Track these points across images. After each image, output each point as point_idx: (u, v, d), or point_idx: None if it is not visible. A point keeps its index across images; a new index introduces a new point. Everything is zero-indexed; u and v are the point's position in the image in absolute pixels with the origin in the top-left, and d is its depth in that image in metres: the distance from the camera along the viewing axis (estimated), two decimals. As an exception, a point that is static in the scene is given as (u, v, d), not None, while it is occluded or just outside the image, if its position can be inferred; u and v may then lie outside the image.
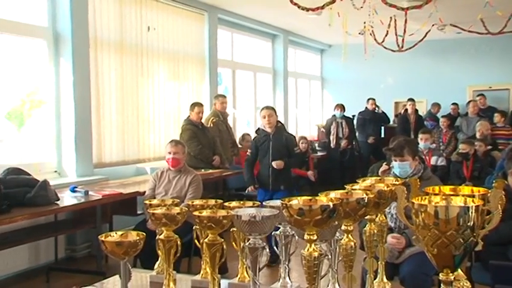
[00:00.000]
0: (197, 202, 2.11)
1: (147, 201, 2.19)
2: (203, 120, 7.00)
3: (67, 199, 4.73)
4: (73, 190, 4.93)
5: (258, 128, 5.83)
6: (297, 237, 1.93)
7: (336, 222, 1.71)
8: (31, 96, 5.97)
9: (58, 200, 4.47)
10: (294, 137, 6.07)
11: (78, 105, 5.81)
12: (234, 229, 2.00)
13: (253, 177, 5.75)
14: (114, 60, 6.54)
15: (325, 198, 1.64)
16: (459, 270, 1.39)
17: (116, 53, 6.57)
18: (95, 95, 6.19)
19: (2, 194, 4.01)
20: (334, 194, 1.73)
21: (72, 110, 5.78)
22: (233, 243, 2.08)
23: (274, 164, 5.50)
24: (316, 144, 10.97)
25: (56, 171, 5.82)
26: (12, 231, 4.65)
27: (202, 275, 2.13)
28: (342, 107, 10.15)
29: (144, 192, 5.04)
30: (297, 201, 1.59)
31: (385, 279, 1.93)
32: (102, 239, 1.82)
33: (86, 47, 5.97)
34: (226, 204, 2.07)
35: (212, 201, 2.11)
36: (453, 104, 10.95)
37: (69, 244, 5.73)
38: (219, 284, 1.93)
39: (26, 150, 5.71)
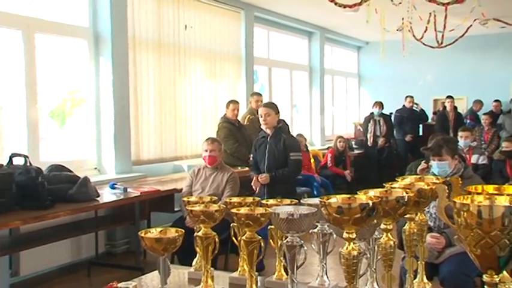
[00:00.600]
0: (235, 199, 2.11)
1: (185, 199, 2.20)
2: (239, 118, 7.03)
3: (107, 195, 4.83)
4: (112, 187, 5.03)
5: (261, 129, 5.23)
6: (334, 235, 1.92)
7: (375, 221, 1.69)
8: (72, 95, 6.12)
9: (98, 196, 4.57)
10: (296, 140, 5.30)
11: (117, 104, 5.93)
12: (272, 227, 2.00)
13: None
14: (152, 59, 6.63)
15: (364, 197, 1.62)
16: (504, 272, 1.35)
17: (154, 52, 6.66)
18: (133, 93, 6.30)
19: (46, 190, 4.13)
20: (374, 193, 1.71)
21: (111, 108, 5.90)
22: (270, 240, 2.08)
23: (259, 179, 4.87)
24: (353, 142, 10.86)
25: (96, 168, 5.95)
26: (55, 226, 4.79)
27: (239, 272, 2.14)
28: (380, 105, 10.01)
29: (181, 189, 5.09)
30: (336, 199, 1.58)
31: (425, 279, 1.90)
32: (142, 235, 1.84)
33: (125, 46, 6.07)
34: (263, 201, 2.07)
35: (250, 199, 2.11)
36: (495, 100, 10.64)
37: (109, 240, 5.85)
38: (257, 282, 1.93)
39: (68, 147, 5.87)
